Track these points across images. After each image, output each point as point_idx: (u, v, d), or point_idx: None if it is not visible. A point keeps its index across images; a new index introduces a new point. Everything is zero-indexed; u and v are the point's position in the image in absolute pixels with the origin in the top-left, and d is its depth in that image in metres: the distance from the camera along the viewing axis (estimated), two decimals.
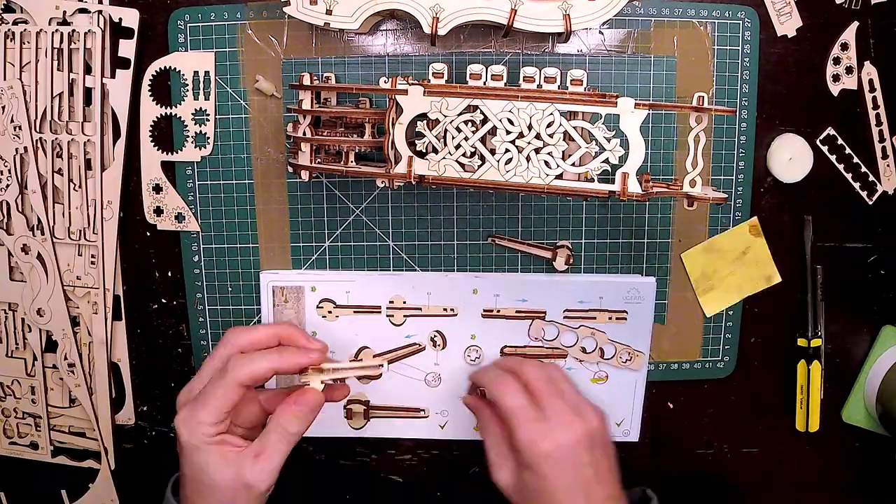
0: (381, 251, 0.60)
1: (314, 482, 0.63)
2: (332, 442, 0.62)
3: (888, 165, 0.60)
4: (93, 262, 0.58)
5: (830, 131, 0.59)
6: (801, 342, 0.61)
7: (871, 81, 0.58)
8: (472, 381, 0.58)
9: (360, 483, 0.64)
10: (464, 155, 0.48)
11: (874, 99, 0.59)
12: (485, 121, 0.48)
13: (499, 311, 0.59)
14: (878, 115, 0.59)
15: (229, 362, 0.47)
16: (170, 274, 0.60)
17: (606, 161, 0.48)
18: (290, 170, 0.53)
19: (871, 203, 0.60)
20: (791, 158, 0.58)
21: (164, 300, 0.60)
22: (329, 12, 0.49)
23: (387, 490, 0.64)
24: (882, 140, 0.59)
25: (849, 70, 0.58)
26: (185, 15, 0.56)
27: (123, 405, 0.61)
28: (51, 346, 0.60)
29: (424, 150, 0.49)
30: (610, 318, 0.59)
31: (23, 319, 0.59)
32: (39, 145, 0.57)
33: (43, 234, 0.58)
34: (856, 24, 0.57)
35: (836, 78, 0.58)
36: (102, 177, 0.57)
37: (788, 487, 0.65)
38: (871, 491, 0.65)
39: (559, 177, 0.48)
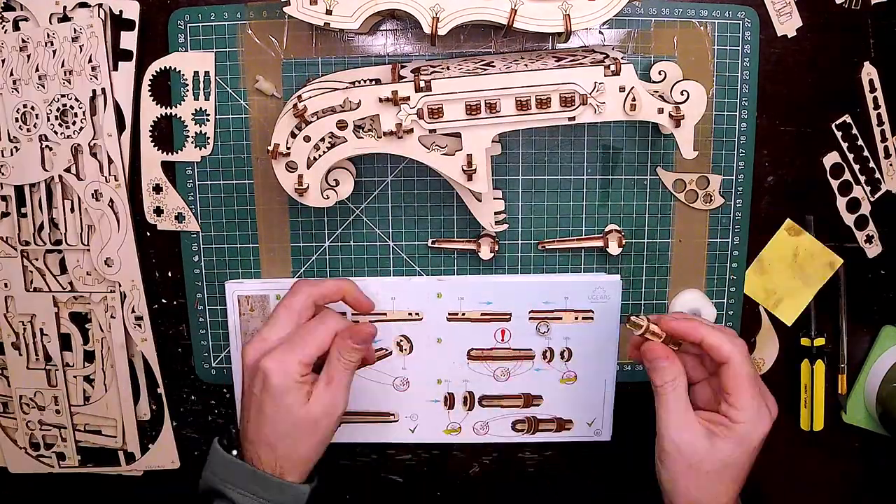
0: (381, 251, 0.59)
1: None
2: (332, 441, 0.62)
3: (889, 165, 0.60)
4: (96, 197, 0.58)
5: (831, 131, 0.59)
6: (805, 341, 0.61)
7: (871, 81, 0.58)
8: (677, 332, 0.50)
9: (360, 483, 0.64)
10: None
11: (875, 99, 0.59)
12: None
13: (464, 314, 0.58)
14: (878, 115, 0.59)
15: (325, 315, 0.52)
16: (170, 274, 0.60)
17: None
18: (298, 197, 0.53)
19: (871, 203, 0.60)
20: None
21: (164, 300, 0.60)
22: (329, 12, 0.49)
23: (387, 490, 0.64)
24: (883, 140, 0.59)
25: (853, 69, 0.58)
26: (185, 15, 0.56)
27: (139, 400, 0.62)
28: (65, 345, 0.60)
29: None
30: (576, 318, 0.58)
31: (41, 329, 0.60)
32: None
33: (117, 179, 0.57)
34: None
35: (835, 77, 0.58)
36: (91, 110, 0.56)
37: (788, 487, 0.65)
38: (871, 491, 0.65)
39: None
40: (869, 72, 0.58)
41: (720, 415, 0.48)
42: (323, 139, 0.51)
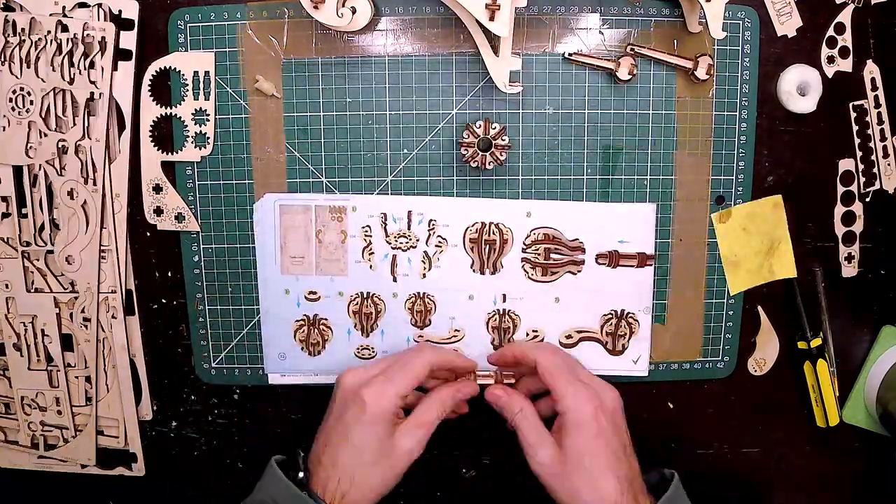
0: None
1: None
2: None
3: (888, 164, 0.60)
4: (103, 256, 0.58)
5: (831, 131, 0.59)
6: (801, 345, 0.61)
7: (872, 80, 0.58)
8: (498, 361, 0.58)
9: None
10: None
11: (875, 98, 0.59)
12: None
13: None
14: (879, 115, 0.59)
15: (422, 348, 0.56)
16: (170, 274, 0.60)
17: None
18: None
19: (871, 202, 0.60)
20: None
21: (164, 300, 0.61)
22: None
23: None
24: (883, 139, 0.59)
25: (854, 66, 0.58)
26: (185, 15, 0.56)
27: (141, 400, 0.62)
28: (67, 345, 0.60)
29: None
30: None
31: (42, 331, 0.59)
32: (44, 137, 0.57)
33: (95, 185, 0.57)
34: (849, 15, 0.57)
35: (834, 75, 0.58)
36: (110, 169, 0.57)
37: (788, 487, 0.65)
38: (871, 491, 0.65)
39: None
40: (871, 70, 0.58)
41: (560, 415, 0.52)
42: None
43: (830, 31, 0.57)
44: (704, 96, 0.57)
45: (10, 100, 0.56)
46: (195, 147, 0.58)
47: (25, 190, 0.57)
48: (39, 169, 0.57)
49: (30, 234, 0.58)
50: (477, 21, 0.49)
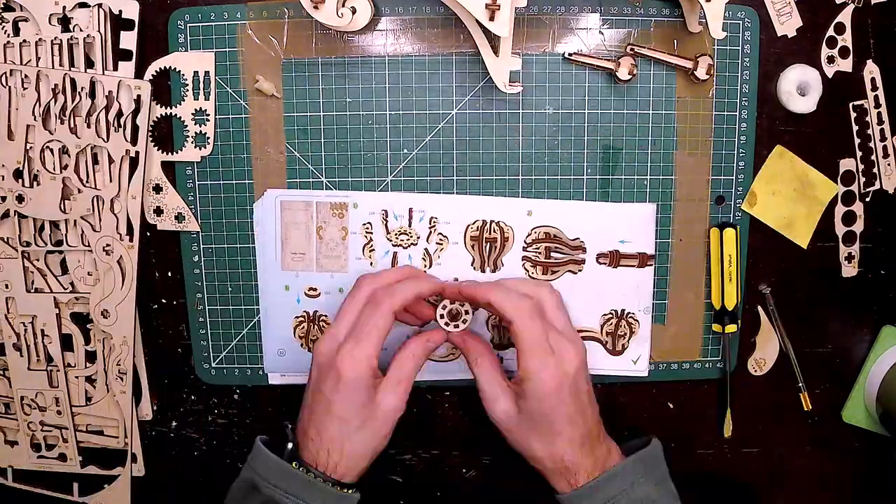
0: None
1: None
2: None
3: (888, 164, 0.60)
4: (107, 251, 0.58)
5: (832, 132, 0.59)
6: (716, 327, 0.61)
7: (872, 80, 0.58)
8: (469, 296, 0.53)
9: (359, 483, 0.64)
10: None
11: (875, 98, 0.59)
12: None
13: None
14: (879, 115, 0.59)
15: (378, 295, 0.52)
16: (170, 274, 0.60)
17: None
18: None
19: (871, 202, 0.60)
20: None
21: (164, 300, 0.61)
22: None
23: (387, 490, 0.64)
24: (883, 139, 0.59)
25: (854, 66, 0.58)
26: (185, 15, 0.56)
27: (141, 400, 0.61)
28: (67, 344, 0.60)
29: None
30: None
31: (42, 330, 0.59)
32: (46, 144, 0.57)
33: (132, 240, 0.58)
34: (849, 15, 0.57)
35: (834, 75, 0.58)
36: (120, 170, 0.57)
37: (789, 487, 0.65)
38: (871, 491, 0.65)
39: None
40: (871, 70, 0.58)
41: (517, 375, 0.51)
42: None
43: (830, 31, 0.57)
44: (704, 96, 0.57)
45: (41, 157, 0.56)
46: (195, 147, 0.58)
47: (25, 192, 0.57)
48: (75, 225, 0.58)
49: (29, 235, 0.58)
50: (477, 21, 0.49)
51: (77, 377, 0.60)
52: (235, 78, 0.57)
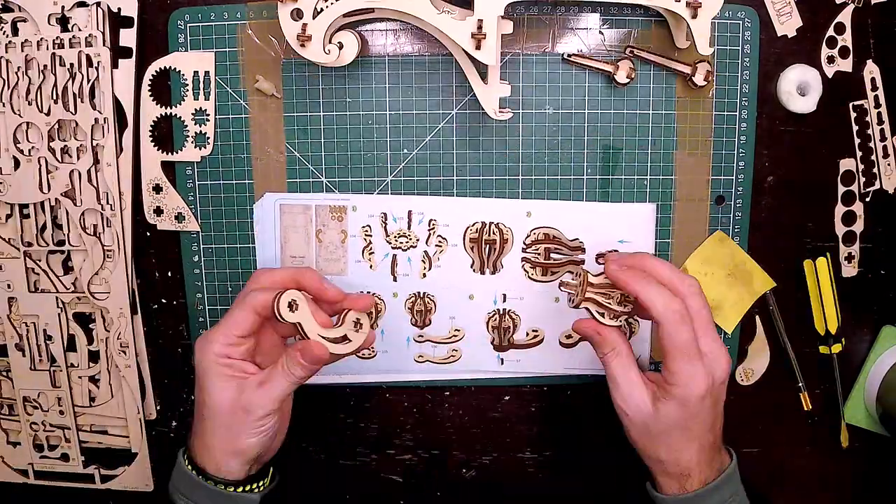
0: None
1: (314, 482, 0.64)
2: (332, 441, 0.63)
3: (888, 164, 0.60)
4: (108, 256, 0.58)
5: (832, 131, 0.59)
6: (823, 349, 0.62)
7: (872, 80, 0.58)
8: (617, 279, 0.49)
9: (360, 483, 0.64)
10: None
11: (875, 98, 0.59)
12: None
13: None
14: (879, 115, 0.59)
15: (246, 293, 0.50)
16: (170, 274, 0.60)
17: None
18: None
19: (871, 202, 0.60)
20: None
21: (164, 300, 0.61)
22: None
23: (387, 490, 0.64)
24: (883, 139, 0.59)
25: (854, 66, 0.58)
26: (185, 15, 0.56)
27: (144, 399, 0.61)
28: (70, 345, 0.60)
29: None
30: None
31: (45, 331, 0.59)
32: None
33: (112, 209, 0.57)
34: (849, 15, 0.57)
35: (834, 75, 0.58)
36: (119, 163, 0.57)
37: (789, 487, 0.65)
38: (871, 491, 0.65)
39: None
40: (871, 70, 0.58)
41: (662, 374, 0.49)
42: None
43: (830, 31, 0.57)
44: (704, 96, 0.57)
45: (15, 139, 0.56)
46: (195, 147, 0.58)
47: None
48: (57, 204, 0.57)
49: (31, 235, 0.58)
50: (464, 50, 0.49)
51: (80, 377, 0.60)
52: (235, 78, 0.57)
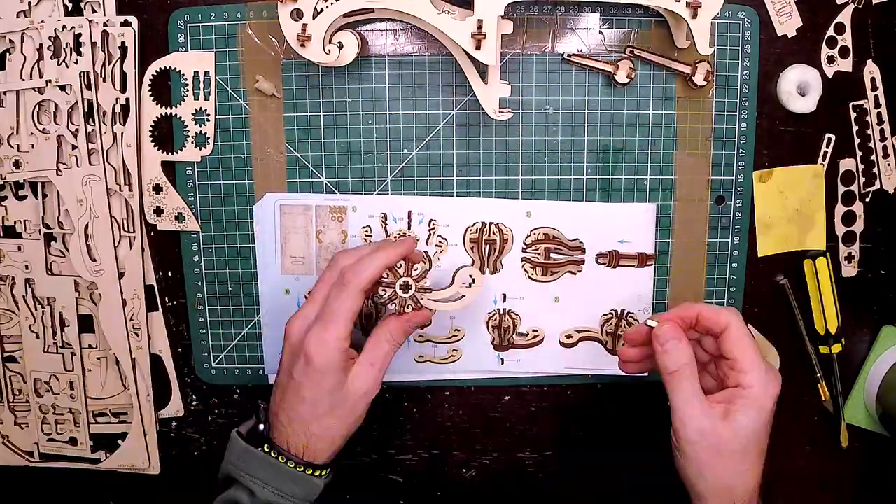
0: None
1: None
2: None
3: (888, 164, 0.60)
4: (126, 237, 0.58)
5: (831, 132, 0.59)
6: (823, 349, 0.61)
7: (872, 80, 0.58)
8: (678, 317, 0.49)
9: (360, 483, 0.64)
10: None
11: (875, 98, 0.59)
12: None
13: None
14: (879, 114, 0.59)
15: (345, 274, 0.50)
16: (170, 274, 0.60)
17: None
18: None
19: (871, 202, 0.60)
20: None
21: (164, 300, 0.61)
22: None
23: (387, 490, 0.64)
24: (883, 139, 0.59)
25: (854, 66, 0.58)
26: (185, 15, 0.56)
27: (170, 399, 0.61)
28: (86, 326, 0.60)
29: None
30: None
31: (60, 314, 0.59)
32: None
33: (131, 189, 0.57)
34: (849, 15, 0.57)
35: (834, 75, 0.58)
36: (113, 120, 0.57)
37: (788, 487, 0.65)
38: (871, 491, 0.65)
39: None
40: (871, 70, 0.58)
41: (730, 389, 0.48)
42: None
43: (830, 31, 0.57)
44: (704, 96, 0.57)
45: (34, 115, 0.56)
46: (195, 147, 0.58)
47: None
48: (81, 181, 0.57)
49: (52, 218, 0.58)
50: (464, 50, 0.49)
51: (99, 358, 0.60)
52: (235, 78, 0.57)
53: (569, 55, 0.56)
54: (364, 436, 0.62)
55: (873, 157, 0.60)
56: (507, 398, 0.62)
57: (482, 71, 0.53)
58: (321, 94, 0.57)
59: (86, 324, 0.60)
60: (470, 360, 0.60)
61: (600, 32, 0.56)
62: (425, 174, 0.58)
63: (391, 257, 0.51)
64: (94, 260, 0.58)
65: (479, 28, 0.48)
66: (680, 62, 0.56)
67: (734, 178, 0.59)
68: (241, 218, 0.59)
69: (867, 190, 0.60)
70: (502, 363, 0.60)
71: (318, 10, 0.50)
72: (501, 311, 0.60)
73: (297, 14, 0.50)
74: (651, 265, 0.59)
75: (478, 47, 0.49)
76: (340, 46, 0.51)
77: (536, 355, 0.60)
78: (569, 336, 0.60)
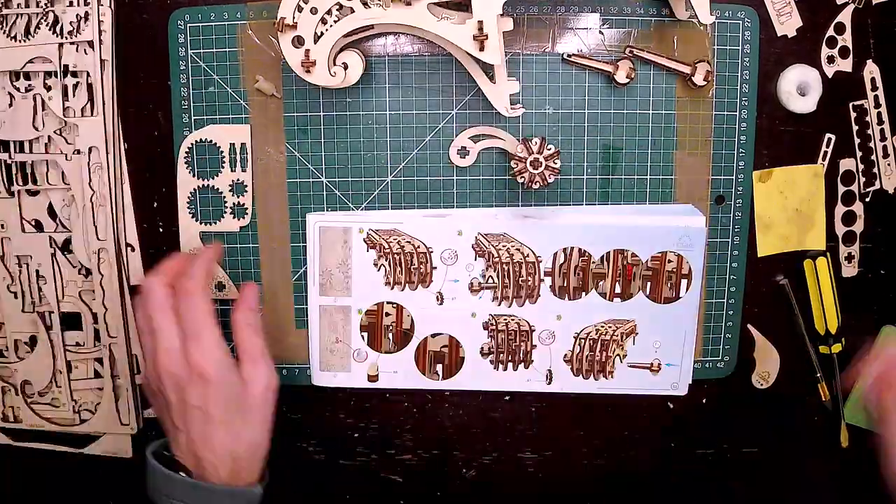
0: None
1: (314, 482, 0.64)
2: (331, 442, 0.63)
3: (888, 164, 0.60)
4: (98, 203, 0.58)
5: (831, 132, 0.59)
6: (823, 349, 0.61)
7: (872, 80, 0.58)
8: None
9: (360, 483, 0.64)
10: None
11: (875, 98, 0.59)
12: None
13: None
14: (879, 114, 0.59)
15: (181, 286, 0.49)
16: None
17: None
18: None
19: (871, 202, 0.60)
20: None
21: None
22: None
23: (387, 490, 0.64)
24: (883, 139, 0.59)
25: (854, 66, 0.58)
26: (185, 15, 0.56)
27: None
28: (73, 324, 0.60)
29: None
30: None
31: (37, 271, 0.58)
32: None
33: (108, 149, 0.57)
34: (849, 15, 0.57)
35: (834, 75, 0.58)
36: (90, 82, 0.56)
37: (789, 487, 0.65)
38: (871, 491, 0.65)
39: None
40: (871, 70, 0.58)
41: None
42: (330, 11, 0.49)
43: (830, 31, 0.57)
44: (704, 96, 0.57)
45: (17, 75, 0.55)
46: (233, 218, 0.58)
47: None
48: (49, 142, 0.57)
49: (27, 176, 0.58)
50: (468, 53, 0.49)
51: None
52: (235, 78, 0.57)
53: (569, 55, 0.56)
54: (364, 436, 0.63)
55: (873, 157, 0.60)
56: (507, 398, 0.62)
57: (488, 71, 0.53)
58: (321, 94, 0.57)
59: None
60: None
61: (600, 32, 0.56)
62: (425, 174, 0.58)
63: (207, 254, 0.52)
64: None
65: (480, 29, 0.48)
66: (680, 62, 0.56)
67: (734, 177, 0.59)
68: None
69: (867, 190, 0.60)
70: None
71: (319, 34, 0.50)
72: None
73: (299, 41, 0.50)
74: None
75: (481, 48, 0.49)
76: (345, 67, 0.52)
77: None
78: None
